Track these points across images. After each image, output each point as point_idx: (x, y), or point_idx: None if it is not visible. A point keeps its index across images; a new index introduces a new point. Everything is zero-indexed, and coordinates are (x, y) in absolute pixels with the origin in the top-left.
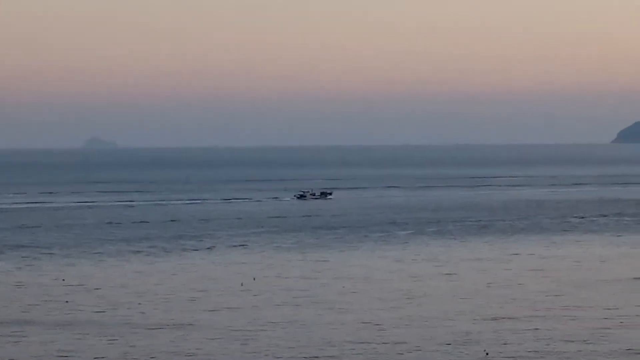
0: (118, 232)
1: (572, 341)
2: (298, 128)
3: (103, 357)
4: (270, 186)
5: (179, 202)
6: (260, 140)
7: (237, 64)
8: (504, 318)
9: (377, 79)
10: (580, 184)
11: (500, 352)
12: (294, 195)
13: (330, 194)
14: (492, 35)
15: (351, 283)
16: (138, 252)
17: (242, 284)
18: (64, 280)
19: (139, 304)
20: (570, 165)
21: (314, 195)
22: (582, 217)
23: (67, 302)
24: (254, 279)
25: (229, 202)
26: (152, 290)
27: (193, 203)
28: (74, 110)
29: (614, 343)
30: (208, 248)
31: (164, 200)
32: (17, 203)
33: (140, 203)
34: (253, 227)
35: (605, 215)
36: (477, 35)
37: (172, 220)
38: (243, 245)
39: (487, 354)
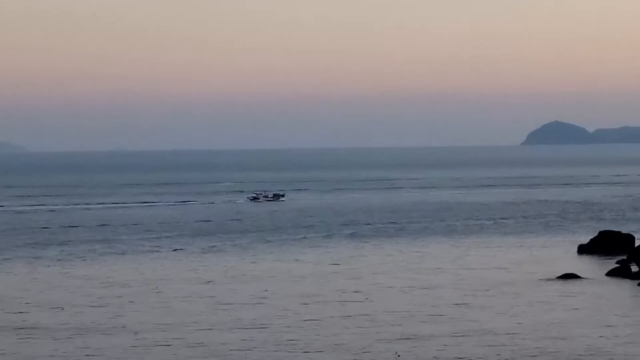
0: (35, 236)
1: (484, 345)
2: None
3: None
4: (218, 189)
5: (112, 205)
6: (189, 144)
7: (159, 65)
8: (415, 318)
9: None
10: (489, 185)
11: (412, 354)
12: (247, 198)
13: (283, 196)
14: (400, 36)
15: (263, 286)
16: (50, 257)
17: (156, 287)
18: None
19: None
20: (480, 167)
21: (267, 197)
22: (491, 219)
23: None
24: (157, 287)
25: (184, 204)
26: (51, 295)
27: (144, 206)
28: None
29: (524, 347)
30: (123, 253)
31: (89, 204)
32: None
33: (63, 207)
34: (182, 230)
35: (513, 217)
36: (385, 36)
37: (101, 225)
38: (168, 248)
39: (398, 355)
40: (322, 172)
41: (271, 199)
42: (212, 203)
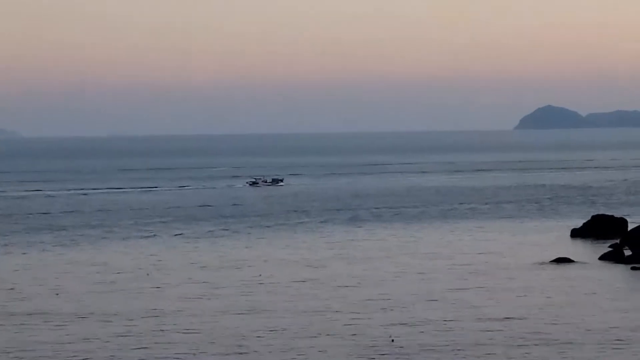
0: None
1: (478, 330)
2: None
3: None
4: (217, 173)
5: (114, 190)
6: (183, 129)
7: (153, 51)
8: (409, 304)
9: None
10: (483, 170)
11: (407, 339)
12: (246, 182)
13: (282, 180)
14: (393, 21)
15: (257, 271)
16: (46, 242)
17: (147, 274)
18: None
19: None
20: (473, 151)
21: (266, 182)
22: (485, 204)
23: None
24: (148, 274)
25: (182, 189)
26: (53, 281)
27: (141, 191)
28: None
29: (517, 331)
30: (119, 238)
31: (84, 189)
32: None
33: (60, 193)
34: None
35: (507, 202)
36: (371, 20)
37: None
38: (164, 234)
39: (392, 340)
40: (319, 157)
41: (270, 183)
42: (212, 188)
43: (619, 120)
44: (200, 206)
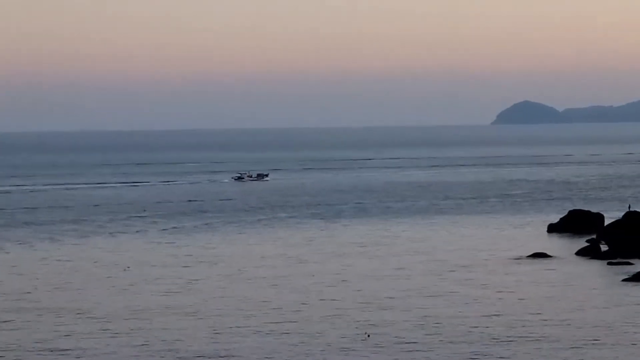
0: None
1: (459, 324)
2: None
3: None
4: (201, 168)
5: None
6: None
7: (131, 45)
8: (388, 301)
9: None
10: (460, 165)
11: (383, 334)
12: (232, 177)
13: (267, 175)
14: (370, 15)
15: (235, 268)
16: (23, 237)
17: (124, 270)
18: None
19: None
20: (451, 146)
21: (251, 177)
22: (463, 199)
23: None
24: (128, 267)
25: (168, 184)
26: (35, 275)
27: (125, 186)
28: None
29: (493, 329)
30: (106, 233)
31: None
32: None
33: (42, 187)
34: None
35: (485, 197)
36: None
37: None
38: (146, 229)
39: (368, 336)
40: (304, 152)
41: (255, 179)
42: (197, 183)
43: (594, 115)
44: (184, 201)
